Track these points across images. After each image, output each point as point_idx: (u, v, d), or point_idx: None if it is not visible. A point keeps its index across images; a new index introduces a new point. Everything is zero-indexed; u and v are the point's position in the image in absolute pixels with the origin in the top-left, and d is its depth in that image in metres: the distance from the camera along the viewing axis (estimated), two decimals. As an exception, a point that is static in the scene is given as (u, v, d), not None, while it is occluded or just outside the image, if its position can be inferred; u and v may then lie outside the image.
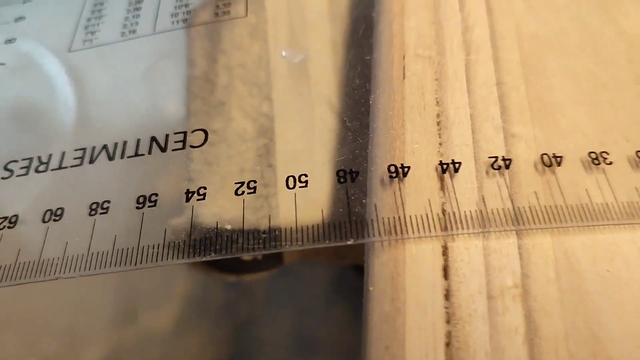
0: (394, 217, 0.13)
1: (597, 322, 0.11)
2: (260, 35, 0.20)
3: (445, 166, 0.13)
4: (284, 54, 0.17)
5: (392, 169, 0.13)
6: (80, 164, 0.13)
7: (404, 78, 0.15)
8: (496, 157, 0.13)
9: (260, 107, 0.17)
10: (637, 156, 0.14)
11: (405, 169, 0.13)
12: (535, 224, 0.13)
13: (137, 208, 0.13)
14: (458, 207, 0.13)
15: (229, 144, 0.16)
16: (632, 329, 0.11)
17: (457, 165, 0.13)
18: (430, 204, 0.13)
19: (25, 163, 0.14)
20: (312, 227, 0.13)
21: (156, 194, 0.13)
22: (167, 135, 0.14)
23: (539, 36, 0.16)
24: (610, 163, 0.13)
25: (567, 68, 0.15)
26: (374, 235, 0.13)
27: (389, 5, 0.17)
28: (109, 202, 0.13)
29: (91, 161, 0.13)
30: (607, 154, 0.14)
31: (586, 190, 0.13)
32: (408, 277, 0.12)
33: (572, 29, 0.16)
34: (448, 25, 0.16)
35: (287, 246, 0.13)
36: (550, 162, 0.13)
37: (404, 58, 0.15)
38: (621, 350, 0.11)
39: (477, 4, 0.16)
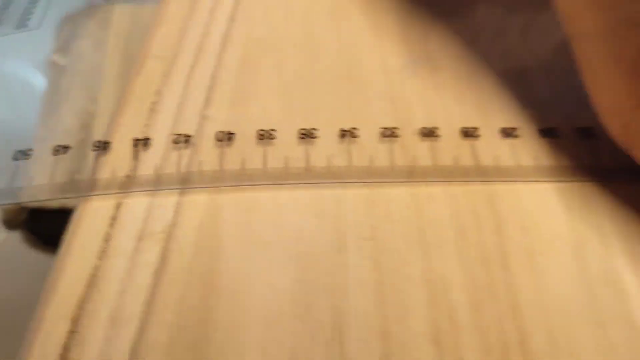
0: (89, 180, 0.16)
1: (216, 259, 0.14)
2: (102, 47, 0.23)
3: (140, 142, 0.16)
4: (54, 57, 0.20)
5: (98, 144, 0.16)
6: None
7: (138, 75, 0.18)
8: (184, 134, 0.16)
9: (87, 107, 0.21)
10: (301, 133, 0.16)
11: (108, 144, 0.16)
12: (198, 183, 0.16)
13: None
14: (141, 172, 0.16)
15: (55, 137, 0.19)
16: (241, 263, 0.14)
17: (150, 141, 0.16)
18: (118, 170, 0.16)
19: None
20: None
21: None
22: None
23: (265, 40, 0.19)
24: (275, 138, 0.16)
25: (278, 64, 0.18)
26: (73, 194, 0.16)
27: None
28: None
29: None
30: (274, 131, 0.17)
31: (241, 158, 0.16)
32: (82, 225, 0.15)
33: (298, 33, 0.19)
34: (192, 32, 0.19)
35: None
36: (228, 137, 0.16)
37: (145, 59, 0.19)
38: (229, 280, 0.14)
39: (223, 14, 0.20)
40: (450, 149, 0.16)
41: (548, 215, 0.15)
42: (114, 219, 0.15)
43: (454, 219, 0.15)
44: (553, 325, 0.14)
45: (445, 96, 0.18)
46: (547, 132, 0.17)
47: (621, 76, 0.14)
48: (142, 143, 0.16)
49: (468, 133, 0.17)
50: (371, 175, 0.16)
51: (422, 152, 0.16)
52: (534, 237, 0.15)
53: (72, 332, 0.13)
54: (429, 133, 0.17)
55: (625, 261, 0.15)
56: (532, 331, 0.13)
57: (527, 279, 0.14)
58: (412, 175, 0.16)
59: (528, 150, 0.16)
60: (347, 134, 0.16)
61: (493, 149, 0.16)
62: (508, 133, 0.17)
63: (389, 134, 0.17)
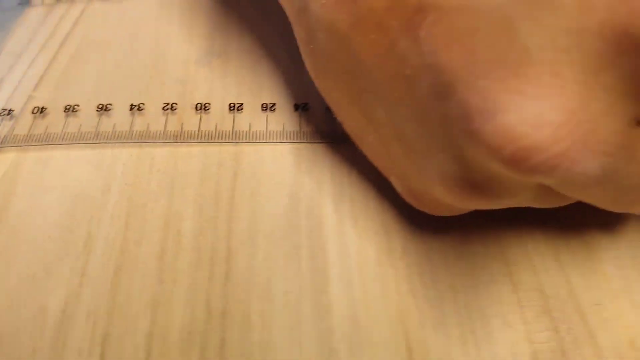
0: None
1: (8, 199, 0.19)
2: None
3: (-19, 114, 0.21)
4: None
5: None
6: None
7: None
8: (9, 109, 0.21)
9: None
10: (98, 107, 0.21)
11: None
12: (10, 144, 0.20)
13: None
14: (-29, 138, 0.20)
15: None
16: (26, 202, 0.19)
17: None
18: (-45, 136, 0.20)
19: None
20: None
21: None
22: None
23: (98, 40, 0.24)
24: (77, 111, 0.21)
25: (102, 58, 0.23)
26: None
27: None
28: None
29: None
30: (78, 106, 0.21)
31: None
32: None
33: (126, 35, 0.24)
34: (41, 34, 0.24)
35: None
36: (41, 111, 0.21)
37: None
38: (14, 214, 0.18)
39: (69, 20, 0.25)
40: (215, 119, 0.21)
41: (279, 168, 0.19)
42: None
43: (202, 171, 0.19)
44: (257, 246, 0.18)
45: (227, 81, 0.22)
46: (301, 107, 0.21)
47: (305, 55, 0.18)
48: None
49: (234, 107, 0.21)
50: (145, 138, 0.20)
51: (191, 121, 0.21)
52: (261, 183, 0.19)
53: None
54: (202, 107, 0.21)
55: (330, 202, 0.19)
56: (237, 250, 0.17)
57: (245, 213, 0.18)
58: (178, 137, 0.20)
59: (279, 119, 0.21)
60: (135, 108, 0.21)
61: (250, 119, 0.21)
62: (267, 107, 0.21)
63: (169, 108, 0.21)
